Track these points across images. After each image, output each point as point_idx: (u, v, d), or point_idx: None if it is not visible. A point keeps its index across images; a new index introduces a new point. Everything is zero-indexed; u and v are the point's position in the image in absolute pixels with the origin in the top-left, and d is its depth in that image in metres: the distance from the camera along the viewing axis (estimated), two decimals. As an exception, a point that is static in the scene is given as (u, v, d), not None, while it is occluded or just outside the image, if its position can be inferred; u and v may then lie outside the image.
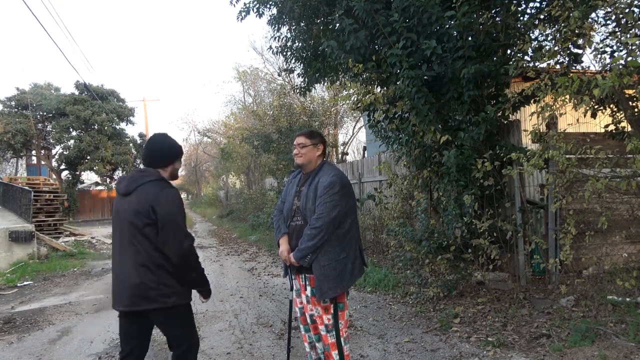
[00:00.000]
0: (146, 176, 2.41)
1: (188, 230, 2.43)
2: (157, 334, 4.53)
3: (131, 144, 23.49)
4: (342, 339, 2.72)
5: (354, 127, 20.57)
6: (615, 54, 3.87)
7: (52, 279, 7.88)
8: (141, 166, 2.82)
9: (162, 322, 2.44)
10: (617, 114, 4.21)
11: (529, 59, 4.58)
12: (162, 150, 2.48)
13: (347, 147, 19.80)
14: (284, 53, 7.11)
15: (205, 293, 2.59)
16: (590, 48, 3.87)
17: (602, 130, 4.48)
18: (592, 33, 3.87)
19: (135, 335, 2.46)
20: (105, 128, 20.95)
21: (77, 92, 21.52)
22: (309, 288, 2.74)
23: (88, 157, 20.58)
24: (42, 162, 22.27)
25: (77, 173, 21.30)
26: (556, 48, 4.06)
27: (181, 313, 2.43)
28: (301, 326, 2.97)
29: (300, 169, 2.93)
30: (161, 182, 2.42)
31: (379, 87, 5.47)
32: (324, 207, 2.60)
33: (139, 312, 2.36)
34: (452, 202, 4.74)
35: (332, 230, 2.62)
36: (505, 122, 5.03)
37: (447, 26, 4.46)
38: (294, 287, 2.92)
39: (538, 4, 4.94)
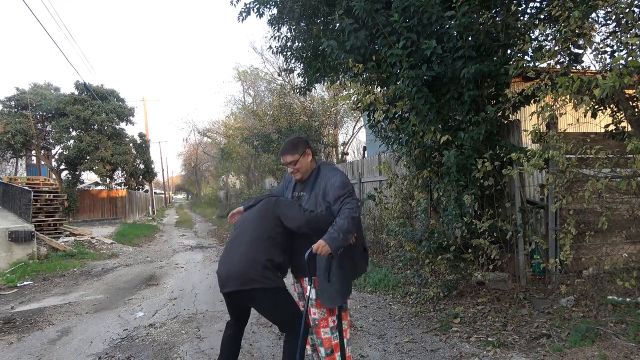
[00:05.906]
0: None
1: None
2: (156, 333, 4.54)
3: (131, 144, 23.46)
4: (345, 340, 2.72)
5: (354, 127, 20.59)
6: (616, 54, 3.87)
7: (51, 279, 7.87)
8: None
9: (261, 301, 2.66)
10: (617, 114, 4.21)
11: (529, 59, 4.58)
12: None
13: (347, 147, 19.81)
14: (284, 53, 7.12)
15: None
16: (590, 48, 3.87)
17: (602, 130, 4.47)
18: (592, 33, 3.86)
19: (235, 312, 2.84)
20: (105, 128, 20.90)
21: (77, 92, 21.45)
22: (313, 290, 2.71)
23: (88, 157, 20.50)
24: (42, 162, 22.21)
25: (77, 173, 21.22)
26: (556, 48, 4.06)
27: (277, 297, 2.64)
28: None
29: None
30: None
31: (379, 87, 5.47)
32: (351, 203, 2.59)
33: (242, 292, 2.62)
34: (452, 202, 4.74)
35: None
36: (505, 122, 5.02)
37: (447, 26, 4.46)
38: (297, 290, 2.92)
39: (538, 4, 4.95)
